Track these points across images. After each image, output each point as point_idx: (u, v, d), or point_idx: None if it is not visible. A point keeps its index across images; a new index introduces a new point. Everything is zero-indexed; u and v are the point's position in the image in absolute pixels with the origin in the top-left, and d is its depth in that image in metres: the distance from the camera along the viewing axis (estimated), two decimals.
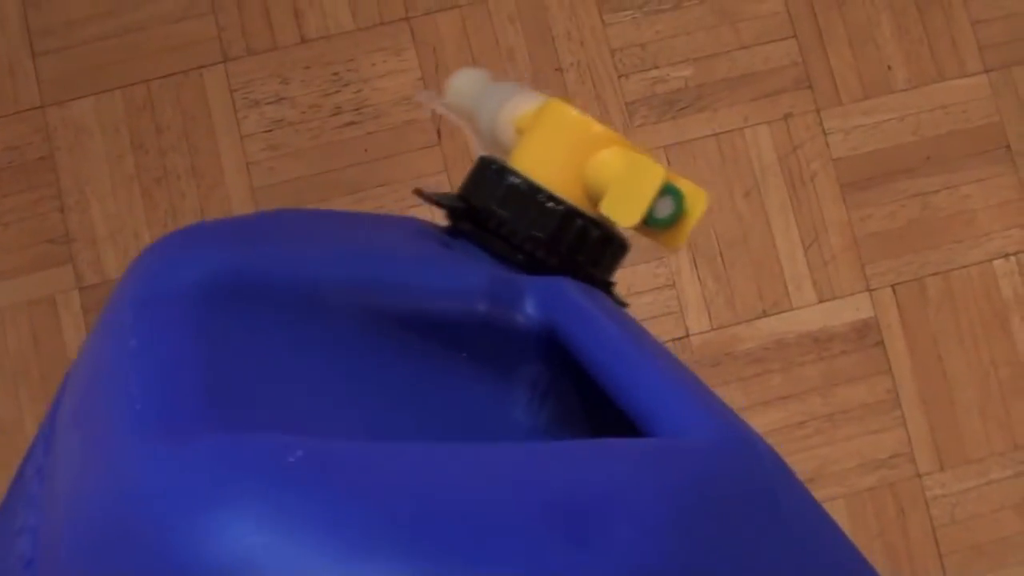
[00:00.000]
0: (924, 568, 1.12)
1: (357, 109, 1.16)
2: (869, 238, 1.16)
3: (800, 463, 1.13)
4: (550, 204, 0.31)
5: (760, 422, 1.13)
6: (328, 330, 0.24)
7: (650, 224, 0.31)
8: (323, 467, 0.17)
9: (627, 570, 0.17)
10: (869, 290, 1.15)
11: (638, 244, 0.34)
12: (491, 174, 0.32)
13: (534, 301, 0.28)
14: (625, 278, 1.13)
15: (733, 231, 1.15)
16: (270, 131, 1.15)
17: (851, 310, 1.15)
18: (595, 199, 0.31)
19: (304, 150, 1.15)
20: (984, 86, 1.18)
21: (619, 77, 1.17)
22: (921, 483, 1.13)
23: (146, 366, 0.20)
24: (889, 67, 1.18)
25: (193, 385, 0.20)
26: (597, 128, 0.32)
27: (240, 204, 1.13)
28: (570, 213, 0.31)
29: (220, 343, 0.21)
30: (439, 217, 0.34)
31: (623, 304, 0.31)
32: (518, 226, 0.31)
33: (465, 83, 0.36)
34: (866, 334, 1.15)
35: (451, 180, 1.14)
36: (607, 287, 0.32)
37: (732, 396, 1.13)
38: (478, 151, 0.34)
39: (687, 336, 1.14)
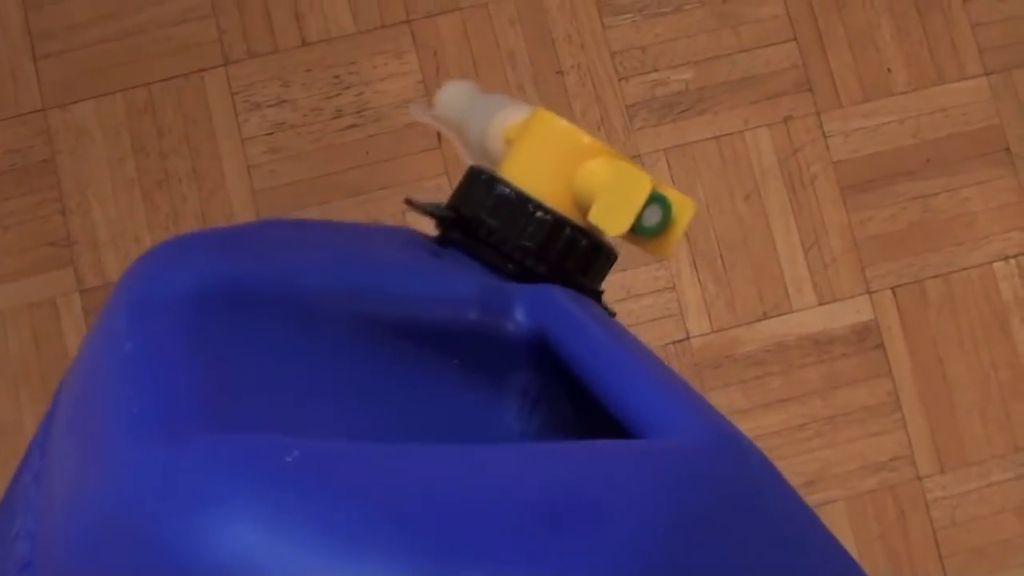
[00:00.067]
0: (925, 570, 1.12)
1: (358, 112, 1.16)
2: (869, 241, 1.16)
3: (801, 466, 1.13)
4: (539, 213, 0.31)
5: (761, 424, 1.13)
6: (321, 337, 0.24)
7: (638, 232, 0.31)
8: (319, 467, 0.18)
9: (615, 569, 0.18)
10: (869, 292, 1.15)
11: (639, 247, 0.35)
12: (481, 184, 0.32)
13: (524, 309, 0.28)
14: (625, 281, 1.14)
15: (733, 234, 1.15)
16: (271, 134, 1.15)
17: (851, 312, 1.15)
18: (584, 208, 0.31)
19: (305, 153, 1.15)
20: (984, 89, 1.18)
21: (619, 80, 1.17)
22: (922, 485, 1.13)
23: (142, 370, 0.21)
24: (889, 70, 1.18)
25: (189, 388, 0.20)
26: (585, 138, 0.32)
27: (241, 207, 1.14)
28: (559, 222, 0.31)
29: (215, 349, 0.22)
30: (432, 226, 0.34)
31: (611, 313, 0.31)
32: (508, 235, 0.31)
33: (454, 95, 0.36)
34: (866, 337, 1.15)
35: (451, 183, 1.14)
36: (596, 295, 0.33)
37: (733, 398, 1.13)
38: (468, 162, 0.34)
39: (687, 338, 1.14)
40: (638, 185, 0.30)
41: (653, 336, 1.13)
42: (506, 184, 0.32)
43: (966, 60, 1.19)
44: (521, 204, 0.31)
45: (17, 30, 1.16)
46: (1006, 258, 1.16)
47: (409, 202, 0.33)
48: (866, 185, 1.16)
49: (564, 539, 0.17)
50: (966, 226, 1.17)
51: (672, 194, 0.32)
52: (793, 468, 1.13)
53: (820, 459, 1.13)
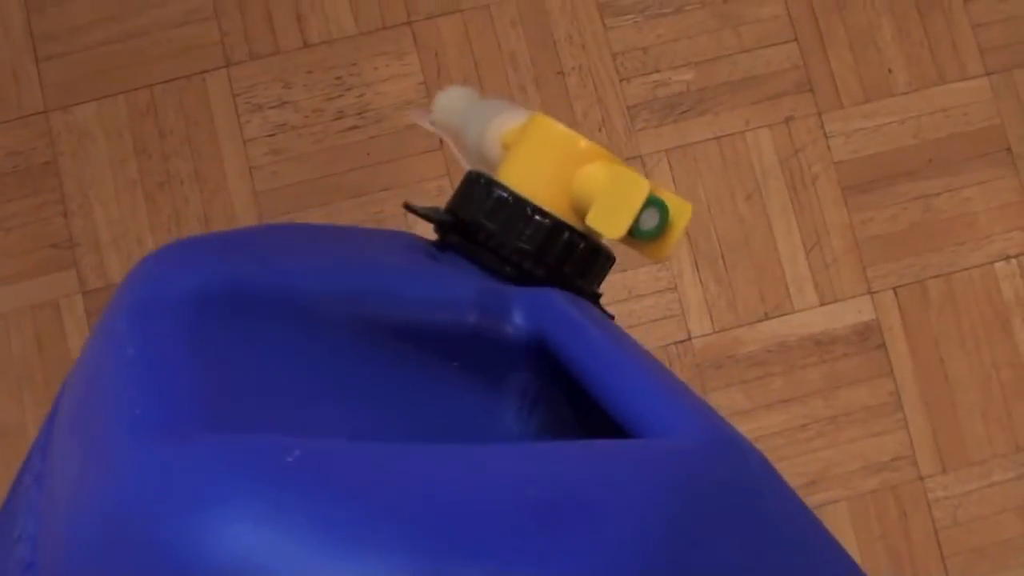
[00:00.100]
0: (926, 570, 1.12)
1: (360, 113, 1.16)
2: (870, 241, 1.16)
3: (802, 466, 1.13)
4: (537, 217, 0.31)
5: (762, 425, 1.13)
6: (321, 340, 0.24)
7: (636, 236, 0.31)
8: (320, 466, 0.18)
9: (613, 569, 0.18)
10: (871, 293, 1.15)
11: None
12: (479, 188, 0.32)
13: (522, 311, 0.28)
14: (627, 281, 1.14)
15: (735, 234, 1.15)
16: (273, 135, 1.15)
17: (853, 313, 1.15)
18: (581, 212, 0.31)
19: (307, 154, 1.15)
20: (985, 89, 1.18)
21: (620, 81, 1.17)
22: (923, 485, 1.13)
23: (143, 372, 0.21)
24: (890, 70, 1.18)
25: (190, 390, 0.20)
26: (583, 143, 0.32)
27: (243, 208, 1.14)
28: (557, 226, 0.31)
29: (216, 351, 0.22)
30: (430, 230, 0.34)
31: (610, 316, 0.31)
32: (506, 239, 0.31)
33: (452, 100, 0.36)
34: (868, 337, 1.15)
35: (453, 184, 1.14)
36: (594, 298, 0.33)
37: (734, 399, 1.13)
38: (466, 167, 0.34)
39: (689, 339, 1.14)
40: (635, 189, 0.31)
41: (655, 336, 1.14)
42: (504, 188, 0.32)
43: (967, 60, 1.19)
44: (519, 208, 0.31)
45: (19, 32, 1.16)
46: (1007, 258, 1.16)
47: (408, 207, 0.33)
48: (867, 185, 1.17)
49: (562, 538, 0.18)
50: (967, 226, 1.17)
51: (669, 197, 0.32)
52: (795, 468, 1.13)
53: (822, 459, 1.13)
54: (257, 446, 0.18)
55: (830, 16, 1.19)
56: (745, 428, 1.12)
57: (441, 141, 1.14)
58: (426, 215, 0.32)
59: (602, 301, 0.34)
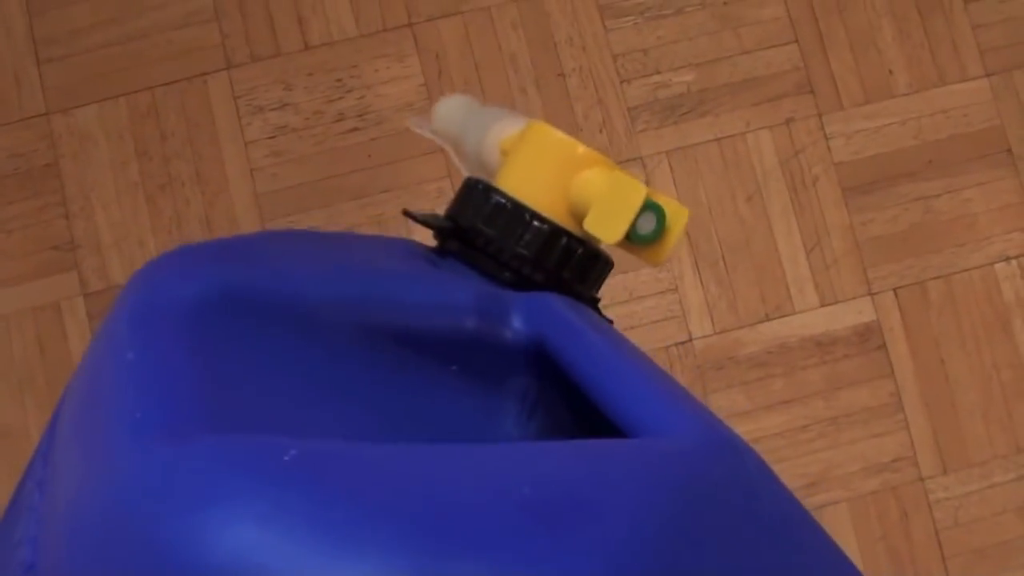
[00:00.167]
0: (927, 571, 1.13)
1: (360, 115, 1.16)
2: (871, 242, 1.16)
3: (803, 467, 1.13)
4: (536, 223, 0.31)
5: (763, 426, 1.13)
6: (321, 344, 0.25)
7: (633, 240, 0.32)
8: (317, 466, 0.18)
9: (609, 568, 0.18)
10: (871, 294, 1.15)
11: None
12: (478, 194, 0.32)
13: (521, 316, 0.29)
14: (627, 282, 1.14)
15: (735, 235, 1.16)
16: (274, 137, 1.15)
17: (853, 314, 1.15)
18: (579, 217, 0.32)
19: (308, 156, 1.15)
20: (985, 90, 1.18)
21: (621, 82, 1.17)
22: (924, 486, 1.13)
23: (143, 376, 0.21)
24: (890, 71, 1.18)
25: (189, 393, 0.20)
26: (580, 149, 0.32)
27: (244, 210, 1.14)
28: (555, 231, 0.32)
29: (215, 356, 0.22)
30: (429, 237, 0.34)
31: (608, 320, 0.31)
32: (505, 244, 0.31)
33: (451, 108, 0.37)
34: (868, 338, 1.15)
35: (453, 186, 1.14)
36: (593, 303, 0.33)
37: (735, 400, 1.13)
38: (465, 174, 0.35)
39: (690, 340, 1.14)
40: (632, 193, 0.31)
41: (655, 338, 1.14)
42: (502, 194, 0.32)
43: (967, 61, 1.19)
44: (518, 214, 0.32)
45: (21, 35, 1.16)
46: (1007, 259, 1.16)
47: (407, 213, 0.33)
48: (868, 186, 1.17)
49: (559, 537, 0.18)
50: (967, 227, 1.17)
51: (666, 202, 0.32)
52: (795, 470, 1.13)
53: (822, 460, 1.13)
54: (255, 446, 0.18)
55: (830, 17, 1.19)
56: (746, 429, 1.12)
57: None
58: (425, 222, 0.32)
59: (603, 302, 0.34)
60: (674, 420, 0.24)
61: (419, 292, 0.28)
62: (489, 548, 0.17)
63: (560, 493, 0.19)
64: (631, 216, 0.31)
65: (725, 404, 1.13)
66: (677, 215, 0.32)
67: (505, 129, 0.34)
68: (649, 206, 0.31)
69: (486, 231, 0.32)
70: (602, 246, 0.33)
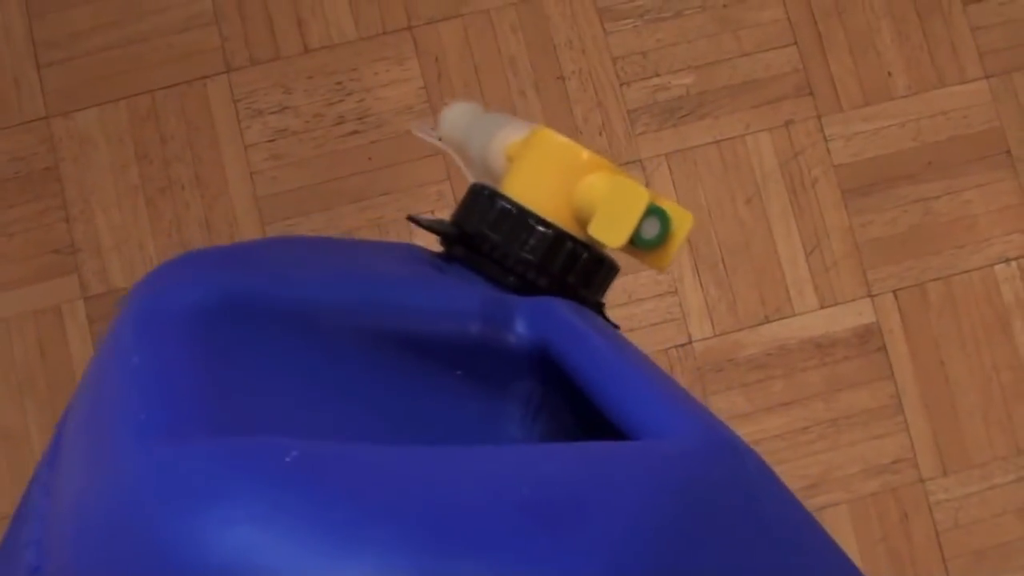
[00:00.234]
0: (928, 573, 1.13)
1: (360, 118, 1.16)
2: (870, 244, 1.16)
3: (803, 468, 1.13)
4: (540, 228, 0.32)
5: (763, 428, 1.13)
6: (325, 349, 0.25)
7: (637, 245, 0.32)
8: (318, 467, 0.18)
9: (608, 568, 0.18)
10: (871, 295, 1.15)
11: None
12: (483, 200, 0.33)
13: (526, 321, 0.29)
14: (627, 285, 1.14)
15: (735, 238, 1.16)
16: (273, 141, 1.15)
17: (853, 315, 1.15)
18: (584, 222, 0.32)
19: (307, 159, 1.15)
20: (984, 92, 1.18)
21: (621, 85, 1.17)
22: (924, 488, 1.13)
23: (148, 380, 0.21)
24: (889, 73, 1.19)
25: (193, 396, 0.20)
26: (584, 154, 0.32)
27: (244, 213, 1.14)
28: (560, 236, 0.32)
29: (219, 360, 0.22)
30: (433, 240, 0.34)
31: (614, 326, 0.32)
32: (510, 249, 0.32)
33: (457, 115, 0.37)
34: (868, 339, 1.15)
35: (453, 189, 1.14)
36: (598, 308, 0.33)
37: (735, 402, 1.13)
38: (470, 180, 0.35)
39: (690, 342, 1.14)
40: (636, 198, 0.31)
41: (655, 340, 1.14)
42: (507, 200, 0.32)
43: (966, 63, 1.19)
44: (522, 219, 0.32)
45: (21, 38, 1.16)
46: (1007, 260, 1.16)
47: (413, 219, 0.33)
48: (867, 188, 1.17)
49: (559, 538, 0.18)
50: (967, 229, 1.17)
51: (670, 207, 0.32)
52: (796, 471, 1.13)
53: (823, 462, 1.13)
54: (256, 447, 0.18)
55: (829, 20, 1.19)
56: (746, 431, 1.12)
57: None
58: (431, 227, 0.32)
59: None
60: (675, 422, 0.24)
61: (423, 297, 0.28)
62: (489, 549, 0.17)
63: (560, 494, 0.19)
64: (635, 221, 0.31)
65: (725, 406, 1.13)
66: (681, 219, 0.32)
67: (510, 135, 0.34)
68: (653, 211, 0.31)
69: (491, 236, 0.32)
70: (607, 251, 0.33)
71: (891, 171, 1.17)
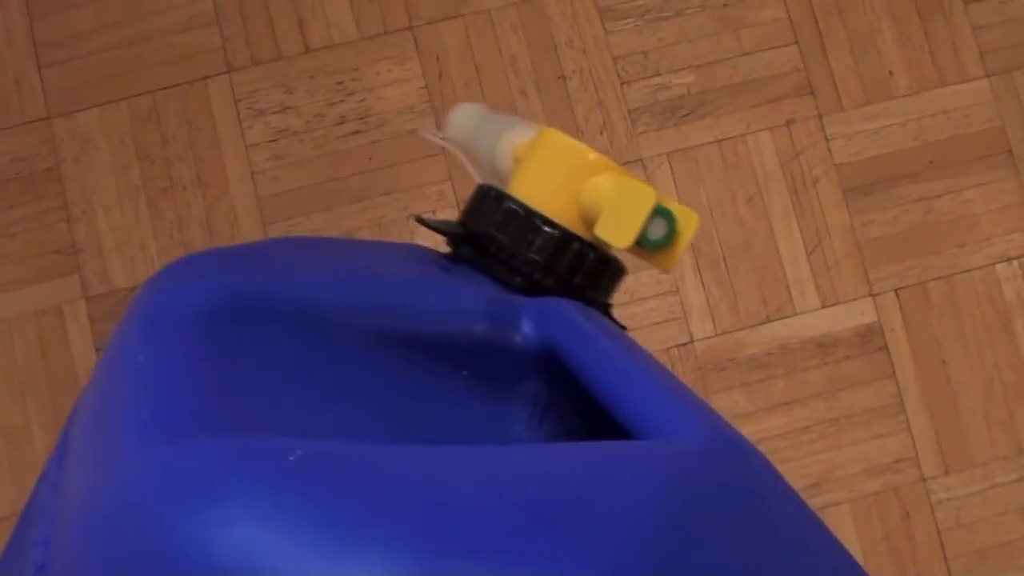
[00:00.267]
0: (930, 572, 1.13)
1: (361, 118, 1.16)
2: (872, 243, 1.16)
3: (805, 468, 1.13)
4: (547, 228, 0.32)
5: (765, 427, 1.13)
6: (331, 350, 0.25)
7: (644, 246, 0.32)
8: (321, 466, 0.18)
9: (610, 568, 0.18)
10: (872, 295, 1.15)
11: None
12: (490, 201, 0.33)
13: (532, 321, 0.29)
14: (629, 284, 1.14)
15: (736, 237, 1.16)
16: (275, 140, 1.15)
17: (855, 315, 1.15)
18: (590, 223, 0.32)
19: (308, 159, 1.15)
20: (985, 91, 1.18)
21: (621, 84, 1.17)
22: (926, 487, 1.13)
23: (153, 379, 0.21)
24: (890, 73, 1.19)
25: (198, 396, 0.20)
26: (591, 155, 0.32)
27: (245, 213, 1.14)
28: (566, 237, 0.32)
29: (225, 360, 0.22)
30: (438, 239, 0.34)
31: (622, 327, 0.32)
32: (516, 250, 0.32)
33: (465, 116, 0.37)
34: (870, 339, 1.15)
35: (454, 189, 1.14)
36: (605, 309, 0.33)
37: (736, 401, 1.13)
38: (477, 181, 0.35)
39: (691, 342, 1.14)
40: (642, 198, 0.31)
41: (657, 339, 1.14)
42: (514, 201, 0.32)
43: (967, 62, 1.19)
44: (529, 219, 0.32)
45: (22, 39, 1.16)
46: (1008, 259, 1.16)
47: (420, 220, 0.33)
48: (868, 188, 1.17)
49: (563, 537, 0.18)
50: (968, 228, 1.17)
51: (677, 208, 0.32)
52: (797, 471, 1.13)
53: (824, 461, 1.13)
54: (259, 446, 0.18)
55: (830, 19, 1.19)
56: (747, 430, 1.12)
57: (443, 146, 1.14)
58: (438, 228, 0.32)
59: None
60: (681, 423, 0.24)
61: (430, 297, 0.28)
62: (491, 548, 0.17)
63: (564, 493, 0.19)
64: (641, 221, 0.31)
65: (726, 405, 1.13)
66: (687, 221, 0.32)
67: (518, 136, 0.34)
68: (659, 212, 0.32)
69: (498, 237, 0.32)
70: (613, 251, 0.33)
71: (892, 170, 1.17)
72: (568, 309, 0.29)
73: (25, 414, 1.11)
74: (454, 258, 0.33)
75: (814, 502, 1.12)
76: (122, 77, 1.16)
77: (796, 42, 1.18)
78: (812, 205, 1.16)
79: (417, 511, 0.17)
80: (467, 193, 1.21)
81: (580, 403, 0.28)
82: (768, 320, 1.15)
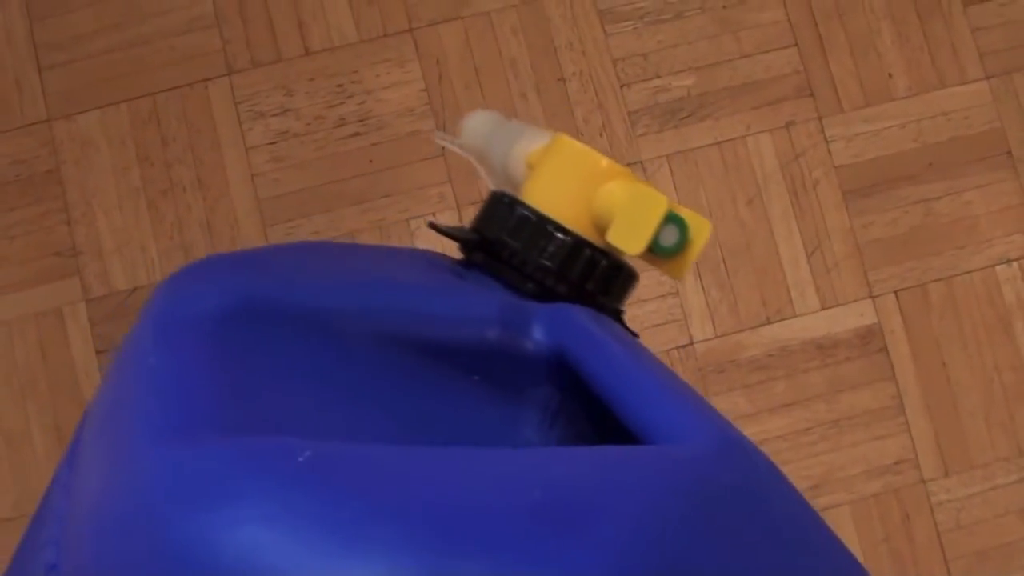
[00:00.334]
0: (930, 573, 1.13)
1: (361, 120, 1.16)
2: (872, 245, 1.16)
3: (805, 470, 1.13)
4: (559, 235, 0.32)
5: (765, 429, 1.13)
6: (341, 354, 0.25)
7: (656, 252, 0.32)
8: (330, 467, 0.18)
9: (616, 570, 0.18)
10: (872, 296, 1.15)
11: None
12: (503, 207, 0.33)
13: (543, 327, 0.29)
14: None
15: (736, 239, 1.16)
16: (275, 143, 1.15)
17: (855, 316, 1.15)
18: (602, 229, 0.32)
19: (309, 161, 1.15)
20: (985, 92, 1.19)
21: (621, 87, 1.17)
22: (926, 489, 1.14)
23: (164, 382, 0.21)
24: (890, 75, 1.19)
25: (208, 398, 0.21)
26: (604, 162, 0.32)
27: (245, 215, 1.14)
28: (578, 243, 0.32)
29: (236, 363, 0.22)
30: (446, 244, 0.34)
31: (634, 334, 0.32)
32: (529, 256, 0.32)
33: (479, 123, 0.37)
34: (870, 340, 1.15)
35: (454, 191, 1.14)
36: (616, 315, 0.33)
37: (736, 403, 1.14)
38: (491, 187, 0.35)
39: (691, 344, 1.14)
40: (654, 205, 0.31)
41: (657, 341, 1.14)
42: (527, 207, 0.32)
43: (967, 64, 1.19)
44: (541, 226, 0.32)
45: (22, 41, 1.16)
46: (1008, 261, 1.17)
47: (433, 226, 0.34)
48: (868, 189, 1.17)
49: (570, 539, 0.18)
50: (968, 229, 1.17)
51: (689, 214, 0.32)
52: (798, 472, 1.13)
53: (824, 463, 1.13)
54: (268, 447, 0.18)
55: (830, 21, 1.19)
56: (748, 432, 1.12)
57: (443, 148, 1.14)
58: (451, 234, 0.33)
59: None
60: (690, 428, 0.24)
61: (442, 303, 0.28)
62: (501, 550, 0.17)
63: (572, 496, 0.19)
64: (653, 228, 0.31)
65: (727, 407, 1.13)
66: (699, 227, 0.33)
67: (531, 143, 0.34)
68: (672, 218, 0.32)
69: (511, 243, 0.32)
70: (625, 258, 0.33)
71: (892, 172, 1.17)
72: (580, 315, 0.29)
73: (25, 416, 1.11)
74: (466, 264, 0.33)
75: (815, 503, 1.12)
76: (122, 79, 1.16)
77: (796, 44, 1.19)
78: (812, 207, 1.16)
79: (425, 512, 0.17)
80: (467, 195, 1.21)
81: (591, 408, 0.28)
82: (768, 322, 1.15)
